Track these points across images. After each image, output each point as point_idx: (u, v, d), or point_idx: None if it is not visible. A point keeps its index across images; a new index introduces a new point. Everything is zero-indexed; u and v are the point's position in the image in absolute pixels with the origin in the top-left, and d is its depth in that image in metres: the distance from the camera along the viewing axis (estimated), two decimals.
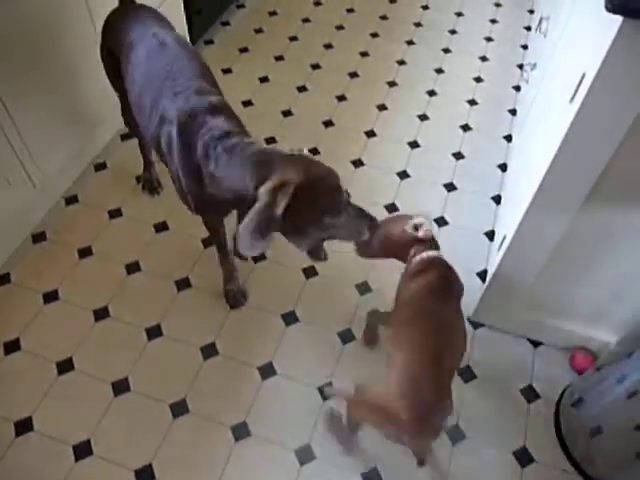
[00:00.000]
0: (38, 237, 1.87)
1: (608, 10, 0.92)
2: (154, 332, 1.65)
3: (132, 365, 1.58)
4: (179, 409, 1.50)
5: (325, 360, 1.61)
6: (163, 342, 1.63)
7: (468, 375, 1.60)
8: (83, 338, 1.63)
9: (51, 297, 1.72)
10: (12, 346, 1.61)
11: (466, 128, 2.29)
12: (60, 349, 1.60)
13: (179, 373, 1.57)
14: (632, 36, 0.94)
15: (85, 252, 1.83)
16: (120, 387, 1.54)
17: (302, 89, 2.43)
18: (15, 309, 1.69)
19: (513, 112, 2.35)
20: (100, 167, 2.09)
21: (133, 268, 1.80)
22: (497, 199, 2.03)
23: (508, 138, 2.25)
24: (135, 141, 2.17)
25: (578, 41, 1.30)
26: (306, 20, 2.78)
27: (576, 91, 1.10)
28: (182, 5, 2.28)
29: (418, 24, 2.81)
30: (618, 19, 0.93)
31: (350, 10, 2.87)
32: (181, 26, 2.32)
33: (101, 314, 1.68)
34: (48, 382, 1.54)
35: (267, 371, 1.58)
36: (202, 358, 1.60)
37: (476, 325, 1.69)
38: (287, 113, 2.32)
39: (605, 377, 1.34)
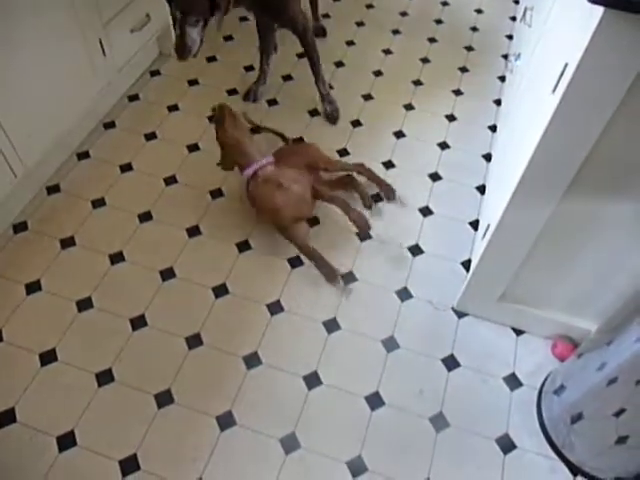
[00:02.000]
0: (19, 227, 1.84)
1: (589, 1, 0.92)
2: (139, 322, 1.64)
3: (116, 356, 1.57)
4: (164, 399, 1.50)
5: (310, 349, 1.61)
6: (148, 332, 1.63)
7: (452, 363, 1.61)
8: (66, 329, 1.62)
9: (33, 288, 1.70)
10: None
11: (451, 118, 2.30)
12: (43, 340, 1.59)
13: (164, 363, 1.57)
14: (613, 26, 0.94)
15: (68, 242, 1.81)
16: (104, 378, 1.53)
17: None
18: None
19: (498, 102, 2.36)
20: (83, 156, 2.07)
21: (117, 258, 1.78)
22: (482, 189, 2.04)
23: (493, 128, 2.26)
24: (119, 130, 2.16)
25: (561, 31, 1.30)
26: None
27: (558, 81, 1.10)
28: None
29: (404, 13, 2.80)
30: (599, 9, 0.94)
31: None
32: (165, 13, 2.28)
33: (84, 305, 1.67)
34: (31, 374, 1.53)
35: (252, 360, 1.58)
36: (187, 348, 1.60)
37: (460, 314, 1.71)
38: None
39: (586, 364, 1.37)
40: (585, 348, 1.43)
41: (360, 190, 1.95)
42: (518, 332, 1.68)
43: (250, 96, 2.30)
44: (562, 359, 1.60)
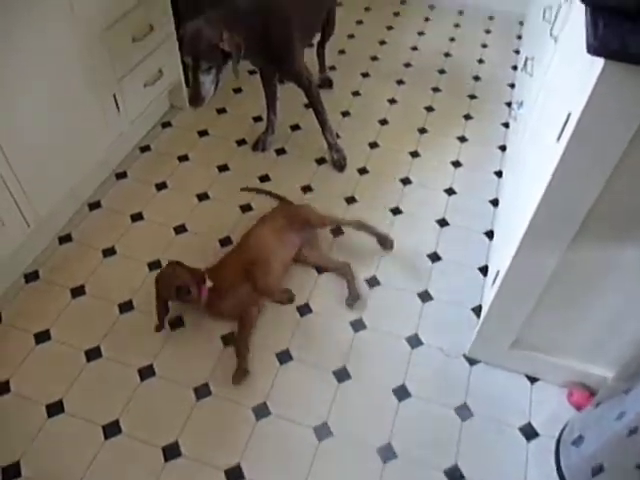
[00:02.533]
0: (30, 276, 1.86)
1: (590, 52, 0.95)
2: (147, 372, 1.63)
3: (124, 407, 1.55)
4: (171, 452, 1.47)
5: (320, 399, 1.59)
6: (156, 382, 1.61)
7: (465, 413, 1.57)
8: (74, 379, 1.60)
9: (43, 337, 1.70)
10: (2, 388, 1.58)
11: (457, 164, 2.33)
12: (50, 391, 1.58)
13: (171, 414, 1.54)
14: (614, 77, 0.97)
15: (78, 291, 1.82)
16: (111, 430, 1.50)
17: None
18: (6, 350, 1.66)
19: (503, 148, 2.40)
20: (95, 206, 2.10)
21: (126, 307, 1.78)
22: (490, 234, 2.05)
23: (499, 174, 2.28)
24: (130, 180, 2.20)
25: (563, 81, 1.34)
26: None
27: (562, 130, 1.13)
28: (178, 48, 2.34)
29: (407, 64, 2.88)
30: (600, 60, 0.97)
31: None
32: (177, 68, 2.37)
33: (93, 354, 1.66)
34: (37, 426, 1.51)
35: (262, 410, 1.56)
36: (195, 398, 1.58)
37: (472, 362, 1.68)
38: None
39: (604, 413, 1.33)
40: (602, 396, 1.39)
41: (349, 285, 1.84)
42: (532, 380, 1.65)
43: (259, 146, 2.36)
44: (579, 408, 1.56)
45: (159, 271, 1.70)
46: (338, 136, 2.39)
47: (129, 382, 1.60)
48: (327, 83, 2.69)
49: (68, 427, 1.51)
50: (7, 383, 1.59)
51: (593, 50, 0.94)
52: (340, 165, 2.27)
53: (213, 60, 1.74)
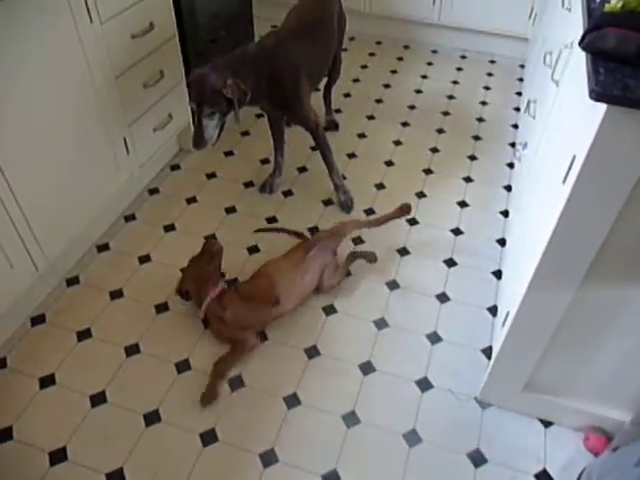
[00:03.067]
0: (37, 320, 1.86)
1: (592, 98, 0.97)
2: (152, 418, 1.60)
3: (128, 454, 1.52)
4: None
5: (328, 445, 1.55)
6: (161, 428, 1.58)
7: (478, 459, 1.53)
8: (78, 425, 1.58)
9: (47, 382, 1.68)
10: (4, 434, 1.55)
11: (463, 204, 2.34)
12: (54, 438, 1.55)
13: (177, 462, 1.51)
14: (617, 121, 0.98)
15: (84, 334, 1.81)
16: (114, 479, 1.47)
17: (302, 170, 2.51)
18: (10, 395, 1.64)
19: (508, 188, 2.41)
20: (103, 248, 2.12)
21: (132, 350, 1.77)
22: (498, 274, 2.03)
23: (505, 213, 2.29)
24: (139, 222, 2.23)
25: (566, 124, 1.36)
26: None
27: (568, 173, 1.13)
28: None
29: (412, 106, 2.94)
30: (602, 105, 0.98)
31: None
32: (186, 112, 2.43)
33: (98, 399, 1.64)
34: (39, 475, 1.47)
35: (269, 458, 1.52)
36: (201, 445, 1.54)
37: (484, 405, 1.64)
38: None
39: (622, 459, 1.29)
40: (620, 441, 1.36)
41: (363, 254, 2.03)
42: (546, 424, 1.61)
43: (266, 188, 2.38)
44: (596, 453, 1.51)
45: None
46: (344, 177, 2.42)
47: (134, 428, 1.57)
48: (333, 125, 2.74)
49: (71, 476, 1.47)
50: (10, 429, 1.57)
51: (595, 96, 0.96)
52: (347, 206, 2.29)
53: (216, 106, 1.80)
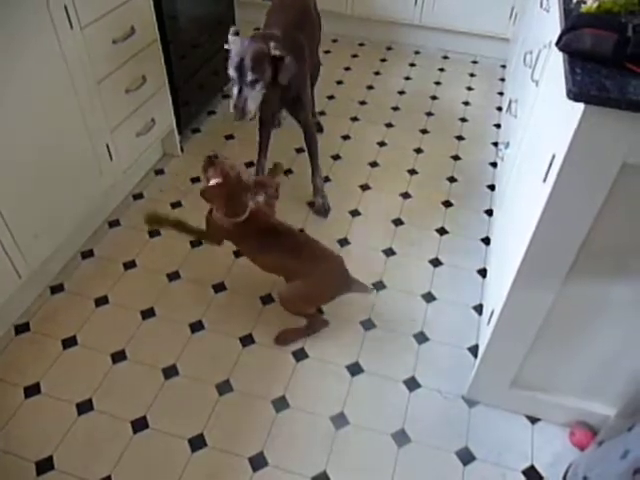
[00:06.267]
0: (20, 328, 1.83)
1: (569, 98, 0.98)
2: (140, 425, 1.59)
3: (116, 462, 1.50)
4: None
5: (318, 447, 1.55)
6: (149, 435, 1.57)
7: (467, 456, 1.54)
8: (65, 434, 1.56)
9: (32, 391, 1.66)
10: None
11: (447, 204, 2.36)
12: (41, 446, 1.53)
13: (166, 468, 1.50)
14: (595, 120, 1.00)
15: (69, 342, 1.80)
16: None
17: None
18: None
19: (492, 187, 2.43)
20: (87, 254, 2.10)
21: (119, 357, 1.76)
22: (483, 272, 2.05)
23: (489, 212, 2.31)
24: (123, 228, 2.21)
25: (546, 123, 1.37)
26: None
27: (548, 171, 1.15)
28: (170, 97, 2.39)
29: (395, 107, 2.96)
30: (580, 105, 1.00)
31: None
32: (169, 116, 2.42)
33: (84, 407, 1.62)
34: None
35: (258, 461, 1.51)
36: (190, 450, 1.53)
37: (471, 403, 1.66)
38: None
39: (607, 453, 1.31)
40: (605, 435, 1.37)
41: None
42: (533, 420, 1.62)
43: None
44: (582, 448, 1.53)
45: None
46: (329, 179, 2.42)
47: (122, 435, 1.56)
48: (317, 128, 2.74)
49: None
50: None
51: (572, 95, 0.97)
52: (324, 210, 2.28)
53: (259, 72, 1.76)
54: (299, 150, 2.59)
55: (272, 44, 1.78)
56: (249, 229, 1.70)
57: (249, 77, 1.76)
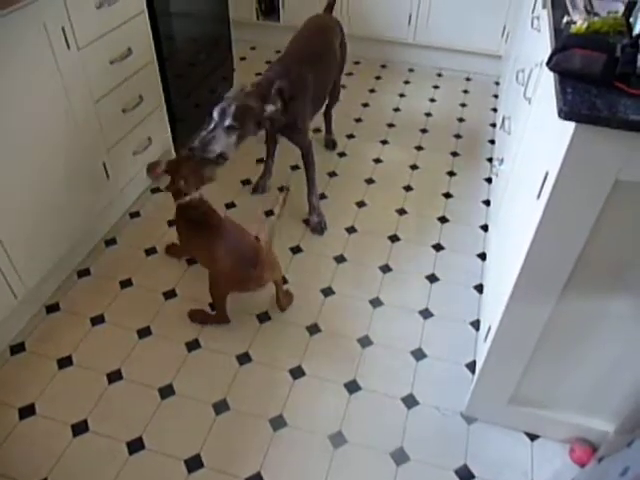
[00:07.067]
0: (16, 348, 1.82)
1: (561, 117, 0.99)
2: (136, 445, 1.57)
3: None
4: None
5: (316, 467, 1.54)
6: (145, 456, 1.55)
7: (466, 475, 1.53)
8: (60, 455, 1.54)
9: (27, 412, 1.64)
10: None
11: (443, 220, 2.37)
12: (36, 468, 1.51)
13: None
14: (586, 139, 1.01)
15: (65, 362, 1.78)
16: None
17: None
18: None
19: (487, 203, 2.45)
20: (84, 273, 2.09)
21: (114, 376, 1.74)
22: (479, 288, 2.05)
23: (484, 228, 2.32)
24: (119, 247, 2.21)
25: (539, 141, 1.39)
26: None
27: (542, 188, 1.16)
28: (166, 116, 2.41)
29: (391, 124, 2.98)
30: (571, 124, 1.01)
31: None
32: (166, 135, 2.44)
33: (79, 428, 1.61)
34: None
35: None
36: (186, 472, 1.52)
37: (469, 420, 1.65)
38: None
39: (607, 470, 1.30)
40: (605, 451, 1.37)
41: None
42: (532, 437, 1.61)
43: (258, 189, 2.48)
44: (582, 464, 1.52)
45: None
46: (325, 196, 2.44)
47: (118, 456, 1.55)
48: (331, 144, 2.78)
49: None
50: None
51: (564, 115, 0.98)
52: (320, 229, 2.29)
53: (240, 124, 1.84)
54: (294, 167, 2.61)
55: (267, 107, 1.89)
56: (188, 215, 1.82)
57: (227, 122, 1.83)
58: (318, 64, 2.21)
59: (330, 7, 2.54)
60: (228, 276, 1.75)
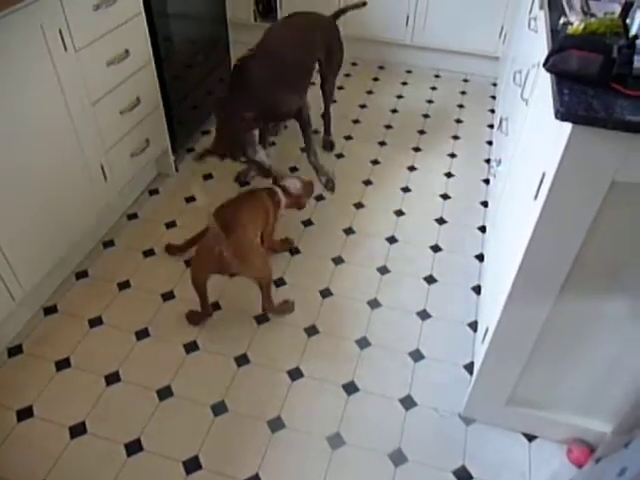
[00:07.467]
0: (14, 350, 1.82)
1: (557, 118, 1.00)
2: (134, 447, 1.57)
3: None
4: None
5: (314, 468, 1.54)
6: (143, 458, 1.55)
7: (464, 475, 1.53)
8: (58, 457, 1.54)
9: (25, 414, 1.64)
10: None
11: (441, 221, 2.37)
12: (33, 471, 1.51)
13: None
14: (583, 139, 1.01)
15: (63, 364, 1.78)
16: None
17: None
18: None
19: (485, 204, 2.45)
20: (82, 275, 2.09)
21: (112, 378, 1.74)
22: (477, 289, 2.06)
23: (482, 229, 2.32)
24: (117, 248, 2.21)
25: (536, 142, 1.39)
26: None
27: (539, 189, 1.16)
28: (164, 118, 2.40)
29: (388, 126, 2.99)
30: (568, 124, 1.01)
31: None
32: (164, 136, 2.43)
33: (77, 430, 1.60)
34: None
35: None
36: (185, 473, 1.52)
37: (467, 421, 1.65)
38: None
39: (605, 470, 1.30)
40: (602, 452, 1.37)
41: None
42: (530, 437, 1.62)
43: (241, 178, 2.55)
44: (579, 465, 1.53)
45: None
46: (322, 197, 2.43)
47: (116, 458, 1.54)
48: (329, 145, 2.78)
49: None
50: None
51: (560, 116, 0.99)
52: (331, 186, 2.49)
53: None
54: (292, 170, 2.61)
55: (247, 114, 2.03)
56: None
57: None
58: (291, 47, 2.30)
59: (337, 15, 2.66)
60: (198, 249, 1.83)
